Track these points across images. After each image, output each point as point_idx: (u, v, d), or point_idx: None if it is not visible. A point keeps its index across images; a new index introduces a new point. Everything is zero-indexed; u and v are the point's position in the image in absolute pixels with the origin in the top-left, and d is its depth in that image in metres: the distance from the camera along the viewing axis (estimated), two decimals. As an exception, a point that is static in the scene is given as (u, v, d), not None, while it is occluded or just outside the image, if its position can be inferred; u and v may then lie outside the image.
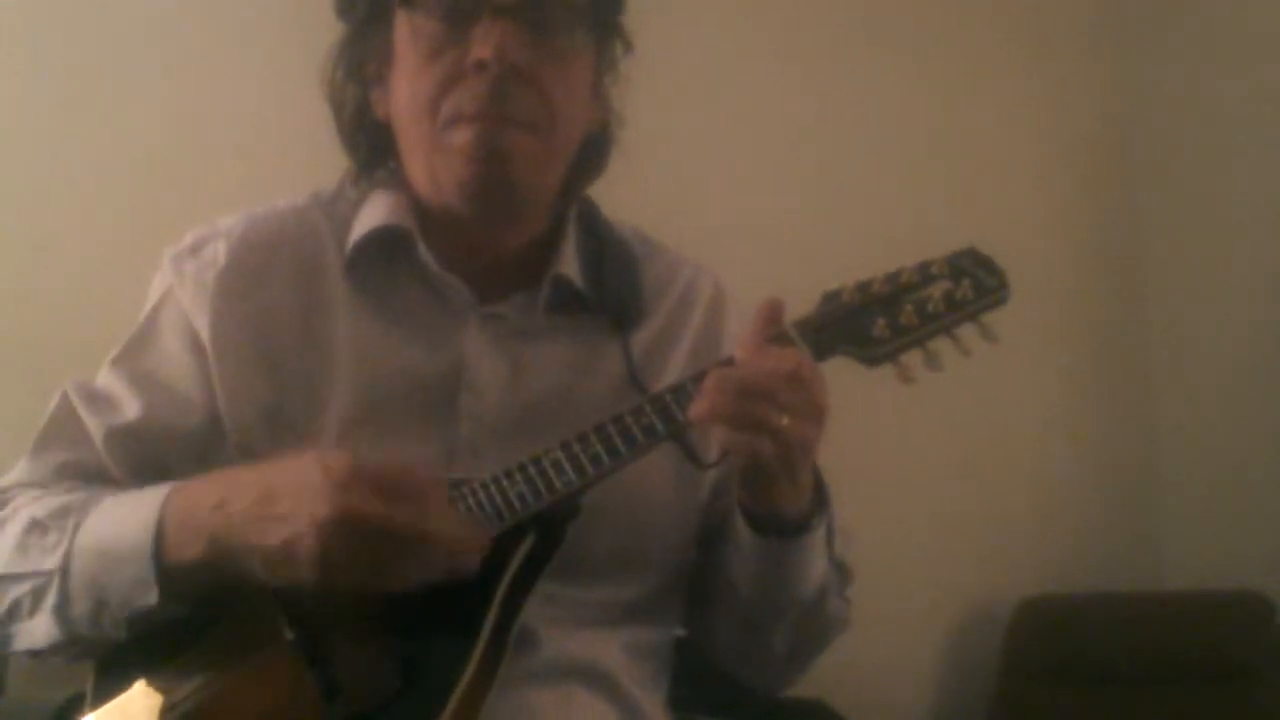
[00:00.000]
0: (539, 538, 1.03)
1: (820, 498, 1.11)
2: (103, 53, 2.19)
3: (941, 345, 1.06)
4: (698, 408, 1.00)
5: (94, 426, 1.15)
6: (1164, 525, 2.78)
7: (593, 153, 1.23)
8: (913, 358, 1.06)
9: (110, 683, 1.08)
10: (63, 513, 1.08)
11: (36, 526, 1.08)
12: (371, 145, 1.22)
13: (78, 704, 1.11)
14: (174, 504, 1.04)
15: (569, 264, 1.19)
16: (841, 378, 1.06)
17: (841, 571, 1.20)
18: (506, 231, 1.19)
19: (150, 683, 1.06)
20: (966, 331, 1.06)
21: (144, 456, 1.14)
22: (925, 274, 1.07)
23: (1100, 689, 2.44)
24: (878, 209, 2.56)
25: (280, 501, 0.97)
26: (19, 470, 1.17)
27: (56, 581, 1.06)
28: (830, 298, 1.07)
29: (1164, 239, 2.82)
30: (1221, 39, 2.72)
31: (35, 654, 1.11)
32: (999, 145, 2.74)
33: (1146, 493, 2.80)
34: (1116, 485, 2.80)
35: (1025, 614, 2.56)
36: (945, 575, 2.59)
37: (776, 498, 1.06)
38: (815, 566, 1.13)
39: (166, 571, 1.02)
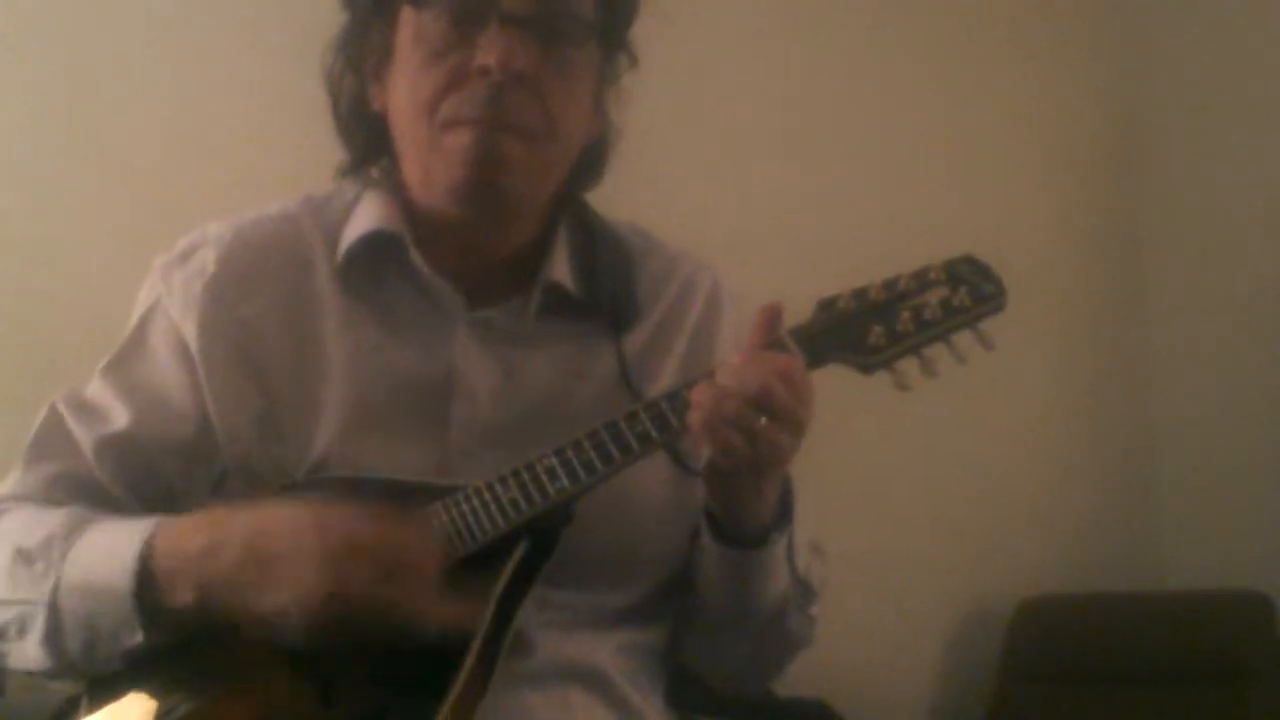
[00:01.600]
0: (532, 544, 1.03)
1: (784, 512, 1.11)
2: (102, 54, 2.19)
3: (938, 352, 1.06)
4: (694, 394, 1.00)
5: (83, 437, 1.14)
6: (1164, 525, 2.78)
7: (590, 161, 1.23)
8: (909, 365, 1.05)
9: (104, 689, 1.07)
10: (48, 542, 1.07)
11: (22, 556, 1.07)
12: (367, 138, 1.21)
13: (77, 704, 1.11)
14: (159, 544, 1.02)
15: (560, 269, 1.18)
16: (841, 379, 1.06)
17: (805, 589, 1.19)
18: (497, 235, 1.18)
19: (144, 689, 1.05)
20: (963, 339, 1.06)
21: (135, 467, 1.13)
22: (923, 281, 1.06)
23: (1100, 689, 2.44)
24: (876, 209, 2.55)
25: (271, 565, 0.97)
26: (10, 482, 1.16)
27: (44, 613, 1.05)
28: (826, 305, 1.07)
29: (1163, 239, 2.82)
30: (1223, 39, 2.72)
31: (32, 675, 1.10)
32: (998, 145, 2.74)
33: (1146, 493, 2.80)
34: (1116, 485, 2.80)
35: (1025, 614, 2.56)
36: (945, 575, 2.59)
37: (738, 504, 1.07)
38: (774, 580, 1.13)
39: (153, 612, 1.02)
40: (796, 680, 1.28)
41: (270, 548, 0.98)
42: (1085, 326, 2.78)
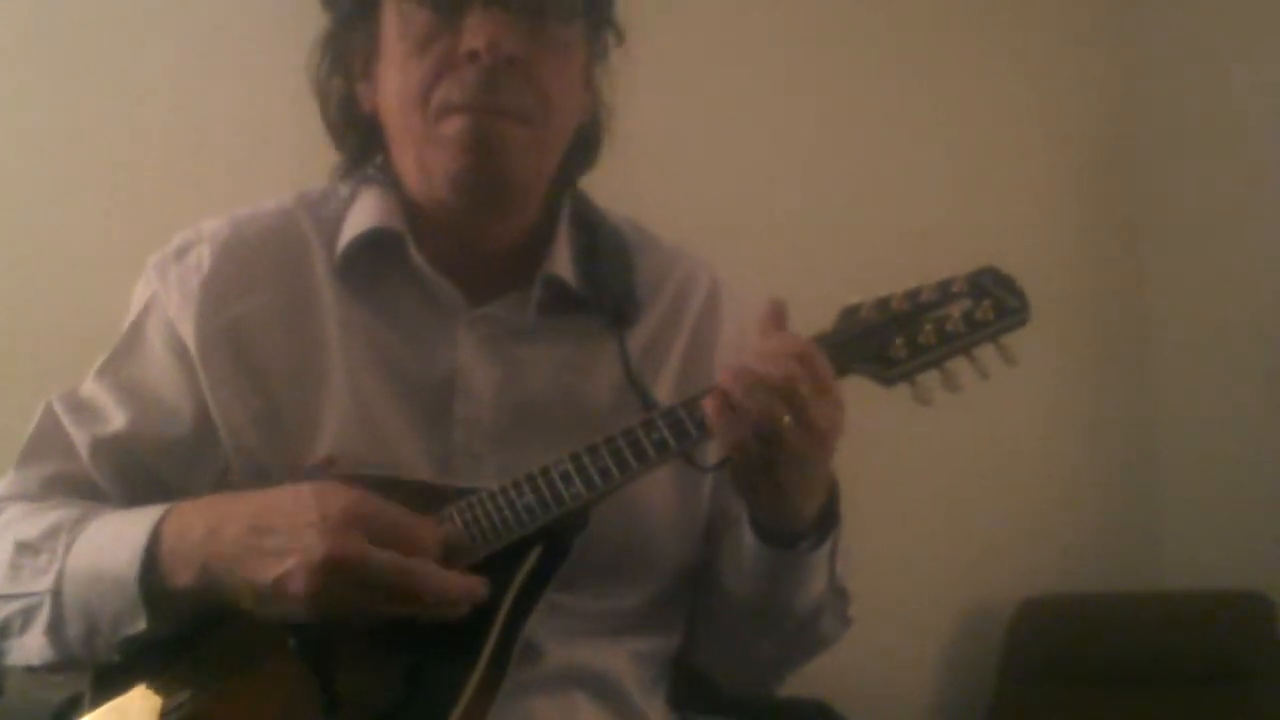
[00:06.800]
0: (545, 550, 1.03)
1: (827, 517, 1.10)
2: (100, 52, 2.19)
3: (959, 366, 1.05)
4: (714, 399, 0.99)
5: (79, 437, 1.14)
6: (1164, 525, 2.77)
7: (584, 144, 1.22)
8: (930, 378, 1.04)
9: (109, 685, 1.07)
10: (53, 533, 1.07)
11: (27, 549, 1.07)
12: (359, 139, 1.21)
13: (77, 704, 1.11)
14: (167, 529, 1.02)
15: (561, 263, 1.18)
16: (846, 382, 1.05)
17: (841, 596, 1.19)
18: (497, 225, 1.18)
19: (150, 685, 1.05)
20: (985, 352, 1.05)
21: (131, 466, 1.13)
22: (945, 292, 1.05)
23: (1100, 689, 2.43)
24: (874, 206, 2.55)
25: (274, 536, 0.96)
26: (7, 482, 1.16)
27: (49, 603, 1.05)
28: (849, 313, 1.05)
29: (1164, 239, 2.82)
30: (1222, 39, 2.72)
31: (32, 670, 1.10)
32: (998, 144, 2.73)
33: (1147, 493, 2.79)
34: (1117, 485, 2.79)
35: (1025, 614, 2.55)
36: (945, 575, 2.58)
37: (761, 502, 1.06)
38: (814, 583, 1.12)
39: (156, 597, 1.01)
40: (796, 680, 1.28)
41: (270, 520, 0.97)
42: (1085, 326, 2.77)
